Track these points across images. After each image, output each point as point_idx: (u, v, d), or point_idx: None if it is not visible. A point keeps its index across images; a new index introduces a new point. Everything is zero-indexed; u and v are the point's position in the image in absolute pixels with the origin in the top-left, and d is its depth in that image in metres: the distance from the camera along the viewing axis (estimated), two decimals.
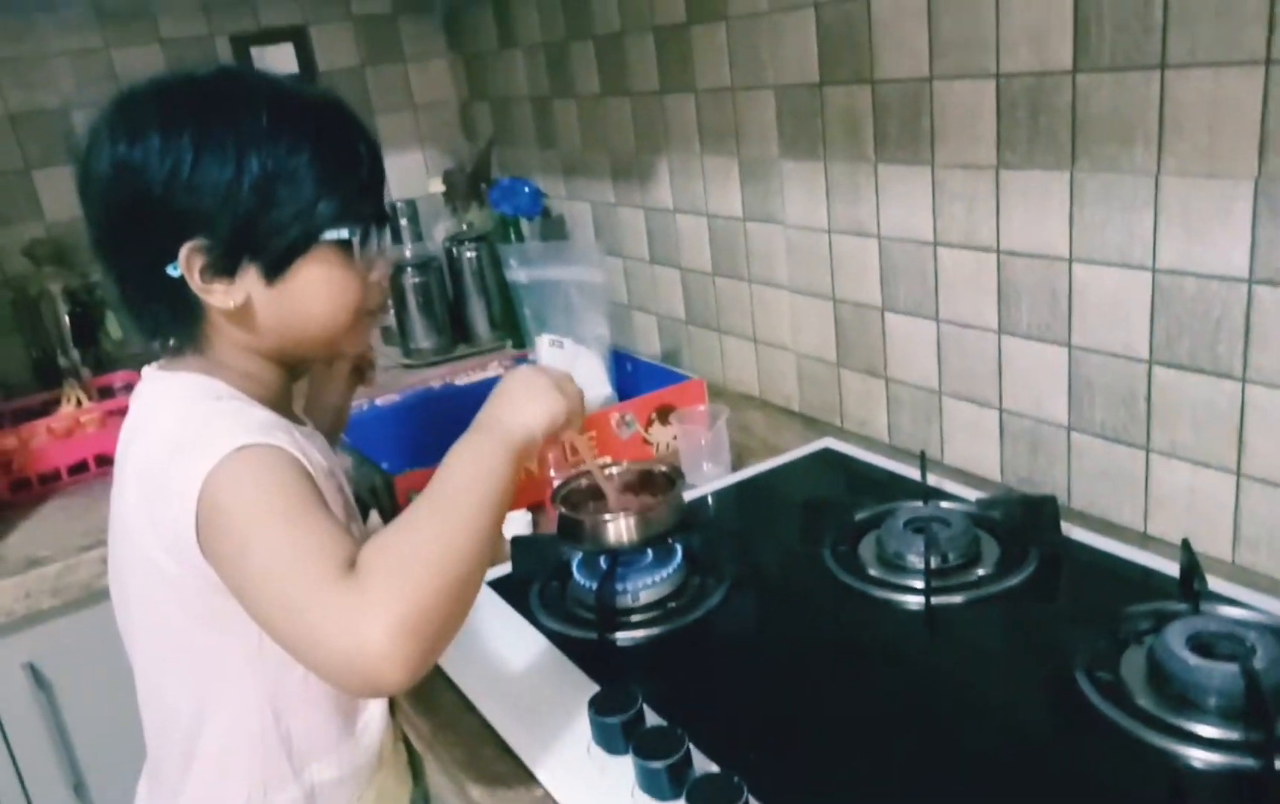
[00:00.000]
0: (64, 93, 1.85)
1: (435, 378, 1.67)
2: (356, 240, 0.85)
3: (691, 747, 0.77)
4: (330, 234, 0.83)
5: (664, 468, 1.08)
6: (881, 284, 1.30)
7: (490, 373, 1.63)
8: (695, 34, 1.48)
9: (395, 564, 0.70)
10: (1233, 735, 0.73)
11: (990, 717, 0.82)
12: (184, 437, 0.79)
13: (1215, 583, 0.92)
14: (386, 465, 1.40)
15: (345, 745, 0.94)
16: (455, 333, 2.06)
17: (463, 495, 0.76)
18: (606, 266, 1.86)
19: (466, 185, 1.92)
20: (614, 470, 1.10)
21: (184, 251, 0.80)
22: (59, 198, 1.86)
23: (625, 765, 0.77)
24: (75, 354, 1.76)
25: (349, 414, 1.20)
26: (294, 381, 0.96)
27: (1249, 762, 0.71)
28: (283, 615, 0.71)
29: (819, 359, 1.44)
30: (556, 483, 1.12)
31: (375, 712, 0.97)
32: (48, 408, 1.61)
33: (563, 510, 1.03)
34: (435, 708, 0.93)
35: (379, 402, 1.52)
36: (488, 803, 0.80)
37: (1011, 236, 1.11)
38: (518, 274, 1.52)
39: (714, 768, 0.76)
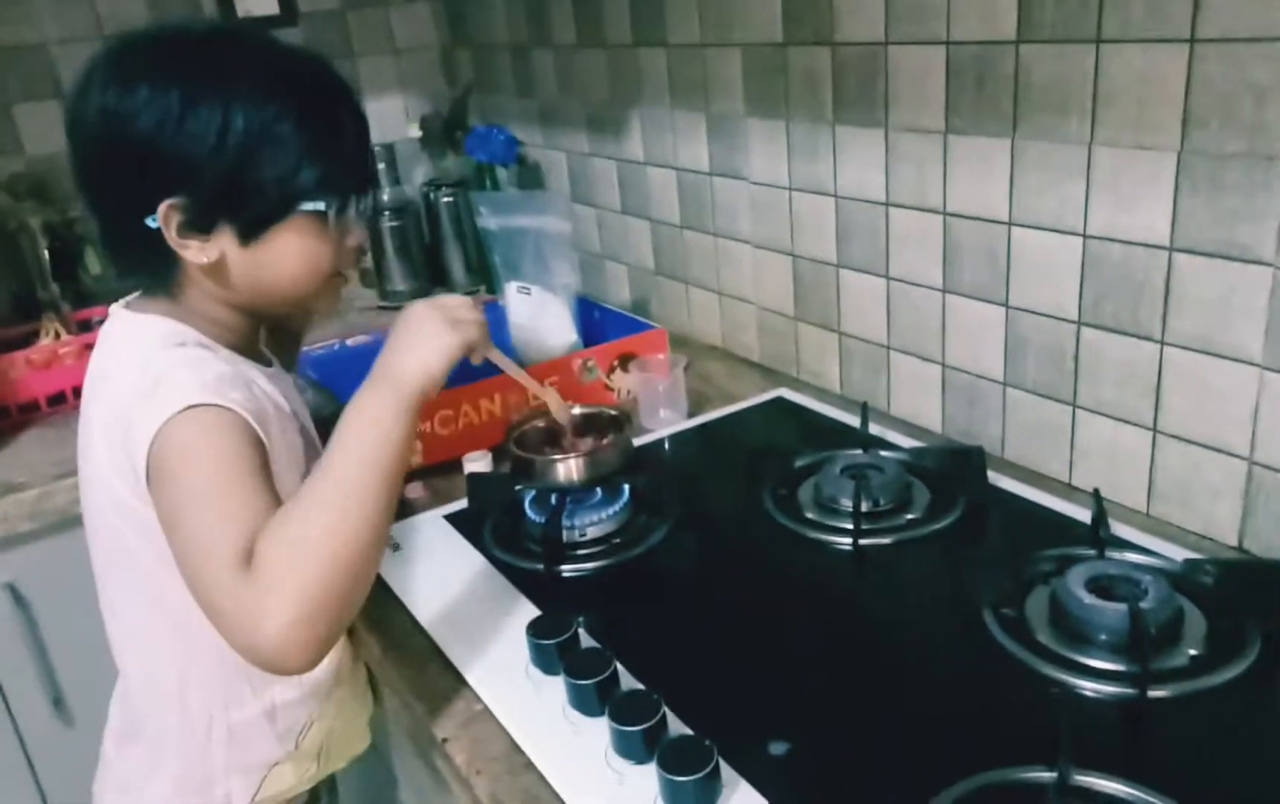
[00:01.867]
0: (44, 29, 1.86)
1: None
2: (333, 212, 0.87)
3: (621, 668, 0.83)
4: (308, 205, 0.85)
5: (614, 412, 1.13)
6: (837, 241, 1.34)
7: None
8: None
9: (287, 556, 0.72)
10: (1118, 667, 0.79)
11: (905, 651, 0.88)
12: (143, 384, 0.81)
13: (1128, 531, 0.98)
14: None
15: None
16: (432, 277, 2.10)
17: (356, 469, 0.77)
18: (576, 216, 1.90)
19: (442, 131, 1.94)
20: (576, 410, 1.14)
21: (162, 207, 0.82)
22: (39, 133, 1.88)
23: (559, 685, 0.83)
24: (55, 288, 1.79)
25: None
26: (260, 327, 0.99)
27: (1129, 690, 0.77)
28: (195, 587, 0.76)
29: (778, 312, 1.49)
30: (513, 422, 1.16)
31: None
32: (27, 340, 1.64)
33: (515, 450, 1.08)
34: (387, 629, 0.99)
35: (349, 341, 1.57)
36: (430, 717, 0.86)
37: (957, 199, 1.15)
38: (488, 222, 1.56)
39: (638, 686, 0.82)
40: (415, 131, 2.02)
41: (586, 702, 0.80)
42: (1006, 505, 1.07)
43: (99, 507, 0.91)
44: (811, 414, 1.34)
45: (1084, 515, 1.00)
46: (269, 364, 0.97)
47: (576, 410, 1.13)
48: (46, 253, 1.77)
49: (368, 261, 2.08)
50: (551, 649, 0.84)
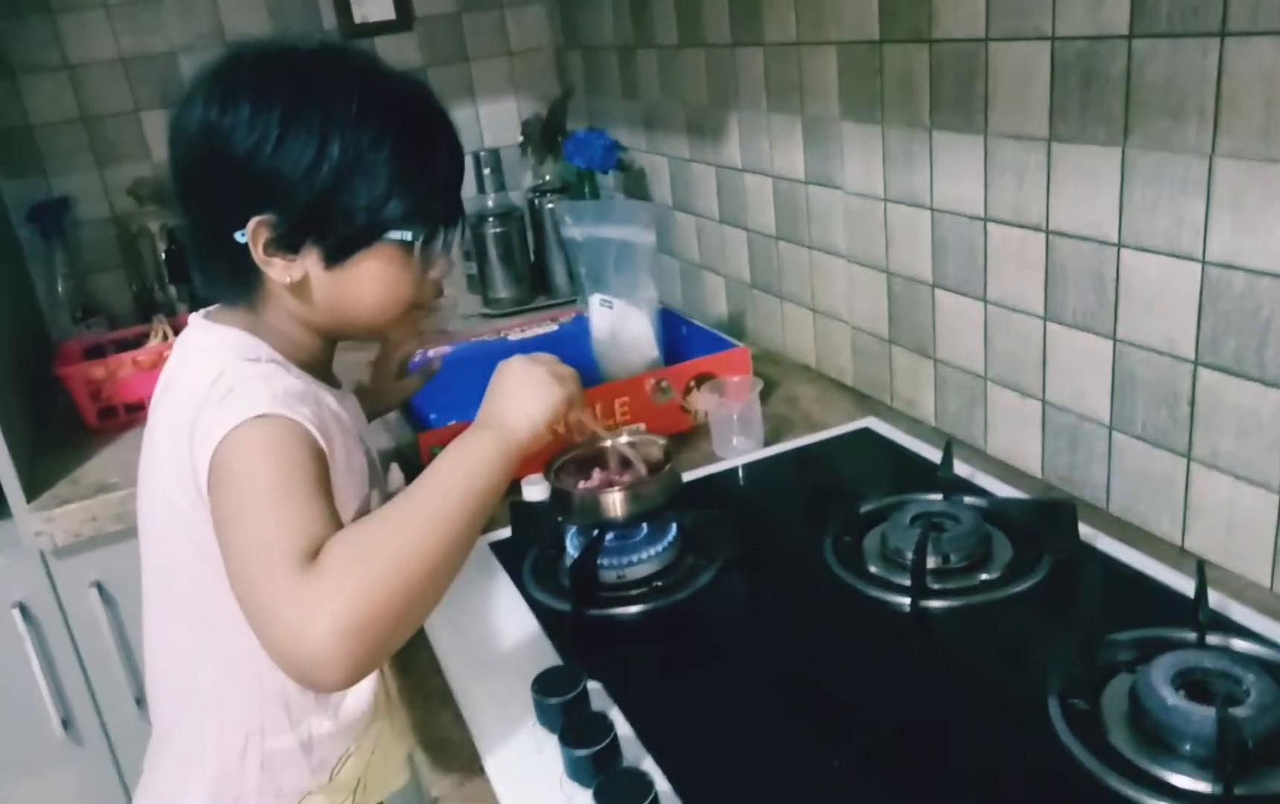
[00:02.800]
0: (171, 38, 1.94)
1: (509, 328, 1.69)
2: (419, 243, 0.87)
3: (632, 733, 0.76)
4: (394, 234, 0.86)
5: (662, 441, 1.06)
6: (933, 258, 1.22)
7: (545, 329, 1.63)
8: None
9: (352, 559, 0.70)
10: (1202, 787, 0.66)
11: (952, 743, 0.76)
12: (214, 392, 0.81)
13: (1242, 611, 0.84)
14: (434, 417, 1.43)
15: (339, 700, 0.96)
16: (535, 284, 2.07)
17: (444, 495, 0.76)
18: (676, 224, 1.84)
19: (541, 136, 1.90)
20: (623, 439, 1.08)
21: (252, 223, 0.83)
22: (164, 139, 1.95)
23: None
24: (172, 291, 1.86)
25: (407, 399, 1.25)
26: (334, 348, 0.99)
27: None
28: (244, 587, 0.73)
29: (871, 333, 1.38)
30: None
31: None
32: (141, 341, 1.71)
33: (554, 481, 1.03)
34: (410, 666, 0.95)
35: (430, 353, 1.55)
36: (432, 769, 0.81)
37: (1061, 215, 1.02)
38: (572, 231, 1.50)
39: (648, 759, 0.75)
40: (517, 136, 1.99)
41: (581, 772, 0.73)
42: (1100, 569, 0.93)
43: (153, 514, 0.92)
44: (898, 449, 1.23)
45: (1191, 587, 0.86)
46: (338, 386, 0.97)
47: (624, 439, 1.06)
48: (164, 255, 1.85)
49: (472, 268, 2.08)
50: (555, 708, 0.78)
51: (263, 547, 0.72)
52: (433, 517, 0.74)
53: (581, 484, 1.03)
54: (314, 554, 0.70)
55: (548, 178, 2.02)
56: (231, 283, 0.91)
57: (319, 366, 0.94)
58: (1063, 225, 1.02)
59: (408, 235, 0.87)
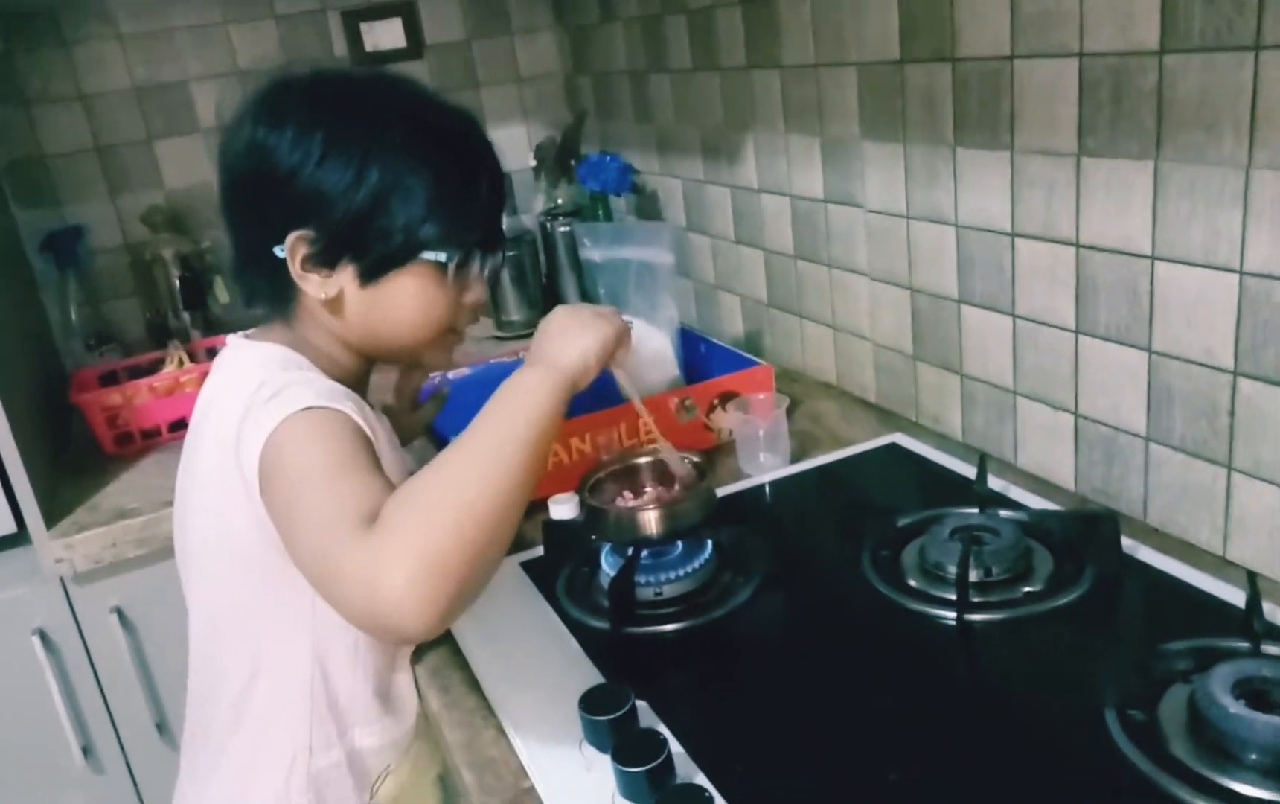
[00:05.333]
0: (184, 67, 1.95)
1: (524, 349, 1.68)
2: (453, 265, 0.88)
3: (682, 751, 0.75)
4: (429, 255, 0.87)
5: (696, 458, 1.05)
6: (958, 274, 1.22)
7: None
8: (781, 7, 1.42)
9: (414, 508, 0.69)
10: (1267, 795, 0.65)
11: (1009, 755, 0.75)
12: (259, 397, 0.82)
13: None
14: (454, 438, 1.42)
15: (385, 714, 0.96)
16: (547, 306, 2.06)
17: (498, 432, 0.75)
18: (690, 245, 1.84)
19: (556, 160, 1.91)
20: (664, 455, 1.08)
21: (290, 238, 0.85)
22: (177, 166, 1.96)
23: (611, 765, 0.75)
24: (185, 317, 1.85)
25: (427, 428, 1.25)
26: (371, 371, 0.99)
27: None
28: (313, 560, 0.73)
29: (895, 350, 1.38)
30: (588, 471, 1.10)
31: (407, 683, 0.99)
32: (155, 367, 1.70)
33: (587, 499, 1.02)
34: (446, 685, 0.94)
35: (451, 375, 1.55)
36: (475, 787, 0.80)
37: (1091, 229, 1.02)
38: (591, 253, 1.51)
39: (700, 775, 0.74)
40: (530, 161, 2.00)
41: (636, 791, 0.72)
42: (1144, 581, 0.93)
43: (201, 538, 0.92)
44: (928, 464, 1.22)
45: (1238, 598, 0.86)
46: (372, 408, 0.97)
47: (665, 456, 1.05)
48: (178, 282, 1.84)
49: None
50: (604, 726, 0.77)
51: (325, 523, 0.72)
52: (490, 454, 0.73)
53: (617, 502, 1.02)
54: (375, 517, 0.69)
55: (560, 201, 2.03)
56: (271, 297, 0.93)
57: (355, 387, 0.94)
58: (1094, 239, 1.02)
59: (442, 256, 0.88)
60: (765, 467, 1.27)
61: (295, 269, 0.87)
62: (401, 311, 0.90)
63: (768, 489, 1.23)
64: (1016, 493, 1.11)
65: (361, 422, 0.81)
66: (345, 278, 0.88)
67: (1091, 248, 1.03)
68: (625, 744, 0.73)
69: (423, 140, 0.87)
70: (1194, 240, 0.91)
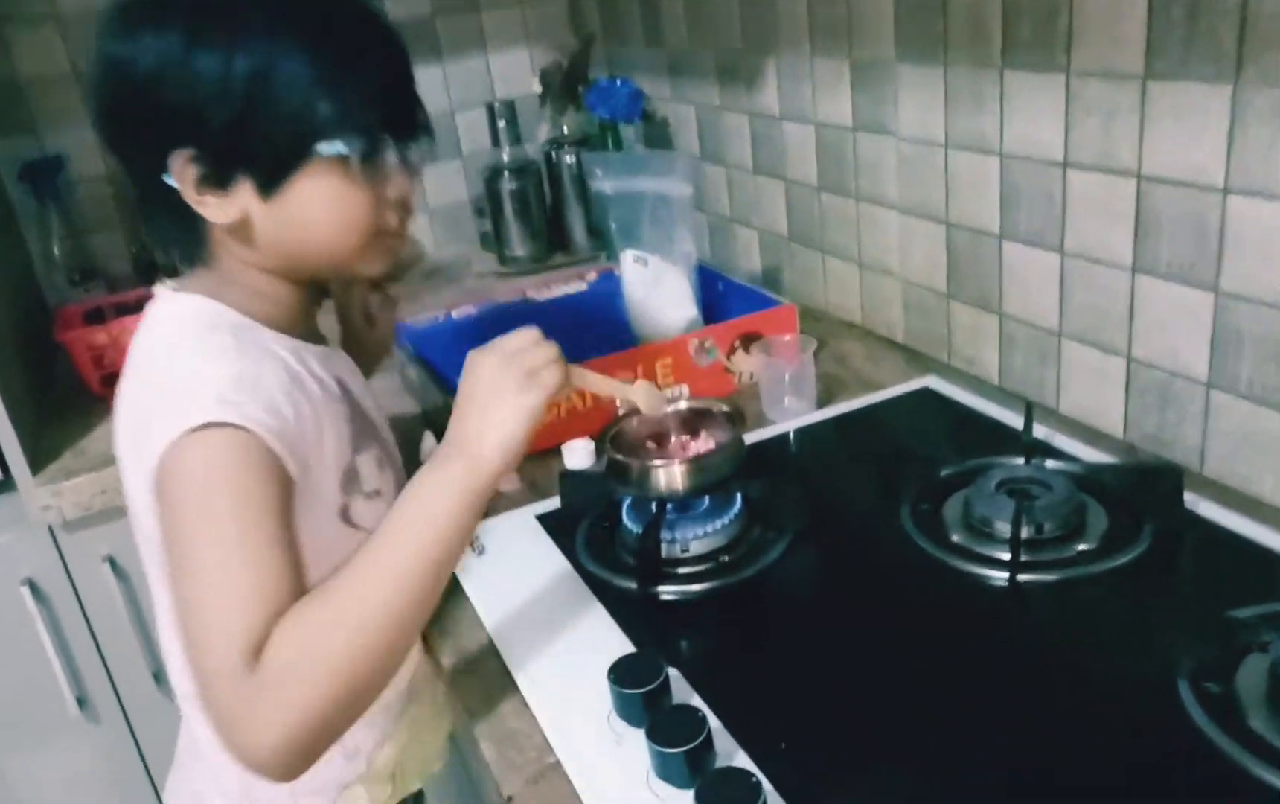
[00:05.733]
0: None
1: (530, 286, 1.61)
2: (356, 156, 0.76)
3: (720, 726, 0.70)
4: (325, 147, 0.75)
5: (725, 407, 0.98)
6: (1001, 208, 1.14)
7: (572, 288, 1.55)
8: None
9: (301, 661, 0.64)
10: None
11: (1071, 727, 0.70)
12: (166, 383, 0.75)
13: None
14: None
15: None
16: (553, 240, 1.99)
17: (407, 565, 0.68)
18: (704, 176, 1.75)
19: (563, 86, 1.81)
20: (682, 403, 1.01)
21: (176, 161, 0.74)
22: None
23: (644, 740, 0.69)
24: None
25: (391, 338, 1.12)
26: (317, 297, 0.90)
27: None
28: (190, 652, 0.67)
29: (927, 287, 1.30)
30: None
31: None
32: (142, 304, 1.61)
33: (610, 451, 0.95)
34: (460, 647, 0.88)
35: (455, 313, 1.47)
36: (496, 761, 0.75)
37: (1155, 160, 0.94)
38: (602, 184, 1.42)
39: (740, 753, 0.68)
40: (535, 86, 1.90)
41: (674, 772, 0.66)
42: (1207, 539, 0.87)
43: (130, 496, 0.84)
44: (964, 410, 1.16)
45: None
46: (323, 342, 0.89)
47: (682, 403, 0.98)
48: None
49: (486, 224, 1.99)
50: (636, 700, 0.71)
51: (209, 627, 0.66)
52: (394, 581, 0.67)
53: (642, 454, 0.96)
54: (263, 641, 0.64)
55: (566, 129, 1.93)
56: (179, 236, 0.81)
57: (299, 321, 0.85)
58: (1158, 170, 0.94)
59: (340, 147, 0.76)
60: (790, 412, 1.20)
61: (190, 195, 0.75)
62: (315, 222, 0.78)
63: (793, 437, 1.17)
64: (1061, 441, 1.04)
65: (270, 436, 0.72)
66: (245, 195, 0.76)
67: (1155, 179, 0.95)
68: (660, 721, 0.68)
69: (293, 15, 0.75)
70: (1276, 172, 0.84)
